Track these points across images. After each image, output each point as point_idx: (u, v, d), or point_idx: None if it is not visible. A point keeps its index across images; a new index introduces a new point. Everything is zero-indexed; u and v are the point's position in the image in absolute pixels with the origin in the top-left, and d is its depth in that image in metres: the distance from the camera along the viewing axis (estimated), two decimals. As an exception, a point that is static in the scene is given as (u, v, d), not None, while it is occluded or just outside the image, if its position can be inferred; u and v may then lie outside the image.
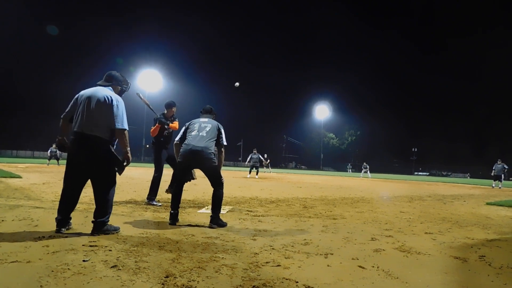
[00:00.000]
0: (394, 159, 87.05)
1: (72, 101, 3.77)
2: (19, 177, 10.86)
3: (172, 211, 4.42)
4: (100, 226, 3.60)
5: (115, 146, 3.80)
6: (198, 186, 10.93)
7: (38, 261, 2.60)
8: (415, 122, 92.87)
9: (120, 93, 3.99)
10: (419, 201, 9.40)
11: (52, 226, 3.70)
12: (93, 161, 3.62)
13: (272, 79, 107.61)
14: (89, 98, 3.67)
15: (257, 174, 20.53)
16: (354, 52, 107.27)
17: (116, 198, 6.60)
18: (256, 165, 20.22)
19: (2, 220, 4.07)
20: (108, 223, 3.68)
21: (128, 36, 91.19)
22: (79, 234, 3.52)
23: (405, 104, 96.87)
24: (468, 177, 60.70)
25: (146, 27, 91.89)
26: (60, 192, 3.74)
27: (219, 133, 4.70)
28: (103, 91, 3.75)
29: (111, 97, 3.70)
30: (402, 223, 5.33)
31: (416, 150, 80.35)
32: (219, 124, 4.79)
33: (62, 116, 3.74)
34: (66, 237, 3.40)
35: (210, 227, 4.28)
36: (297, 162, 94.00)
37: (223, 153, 4.77)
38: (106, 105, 3.66)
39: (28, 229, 3.47)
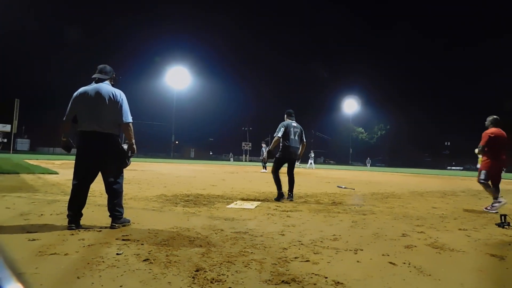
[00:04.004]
0: (426, 154, 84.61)
1: (72, 101, 3.76)
2: (56, 173, 11.30)
3: (279, 191, 6.64)
4: (119, 217, 3.73)
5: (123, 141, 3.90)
6: (226, 182, 11.04)
7: (74, 254, 2.71)
8: (447, 115, 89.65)
9: (112, 86, 3.99)
10: (452, 196, 9.11)
11: (88, 221, 3.85)
12: (105, 157, 3.72)
13: (300, 74, 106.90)
14: (94, 97, 3.70)
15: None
16: (383, 45, 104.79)
17: (147, 193, 6.77)
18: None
19: (41, 214, 4.26)
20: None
21: (157, 33, 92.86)
22: (112, 228, 3.64)
23: (437, 97, 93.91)
24: (504, 172, 58.04)
25: (174, 25, 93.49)
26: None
27: (303, 134, 7.00)
28: (106, 88, 3.78)
29: (115, 93, 3.77)
30: (435, 219, 5.18)
31: (449, 144, 77.67)
32: (301, 127, 6.98)
33: (64, 119, 3.77)
34: (100, 231, 3.53)
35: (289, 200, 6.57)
36: (325, 157, 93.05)
37: (304, 147, 7.04)
38: (113, 102, 3.73)
39: (65, 223, 3.60)
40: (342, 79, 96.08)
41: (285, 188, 6.73)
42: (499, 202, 6.20)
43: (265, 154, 19.72)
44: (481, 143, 6.40)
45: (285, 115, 7.04)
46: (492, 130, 6.45)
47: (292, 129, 6.73)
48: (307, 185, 10.87)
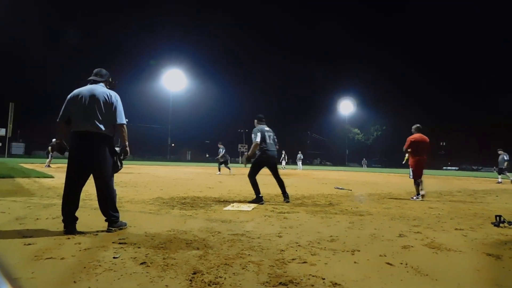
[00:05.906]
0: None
1: (66, 102, 3.76)
2: (52, 177, 11.25)
3: (258, 195, 6.53)
4: (115, 221, 3.71)
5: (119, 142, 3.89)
6: (223, 184, 11.03)
7: (71, 258, 2.69)
8: (443, 115, 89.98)
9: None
10: (448, 196, 9.14)
11: (84, 225, 3.83)
12: (98, 158, 3.68)
13: (295, 76, 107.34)
14: (88, 97, 3.69)
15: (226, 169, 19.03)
16: (379, 47, 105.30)
17: (144, 196, 6.75)
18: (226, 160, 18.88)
19: (37, 218, 4.24)
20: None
21: (153, 37, 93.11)
22: (108, 232, 3.62)
23: (433, 97, 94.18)
24: (495, 171, 58.35)
25: (170, 30, 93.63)
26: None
27: (275, 137, 7.11)
28: (100, 89, 3.79)
29: (110, 95, 3.78)
30: (431, 219, 5.20)
31: (444, 144, 78.04)
32: (272, 130, 7.13)
33: (58, 120, 3.74)
34: (96, 234, 3.51)
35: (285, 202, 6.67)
36: (321, 159, 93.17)
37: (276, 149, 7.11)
38: (108, 103, 3.72)
39: (61, 227, 3.58)
40: (338, 80, 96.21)
41: (278, 191, 6.80)
42: (418, 196, 7.94)
43: (222, 155, 19.17)
44: (405, 147, 8.24)
45: (256, 121, 7.06)
46: (414, 136, 8.22)
47: (266, 133, 6.81)
48: (304, 187, 10.88)
